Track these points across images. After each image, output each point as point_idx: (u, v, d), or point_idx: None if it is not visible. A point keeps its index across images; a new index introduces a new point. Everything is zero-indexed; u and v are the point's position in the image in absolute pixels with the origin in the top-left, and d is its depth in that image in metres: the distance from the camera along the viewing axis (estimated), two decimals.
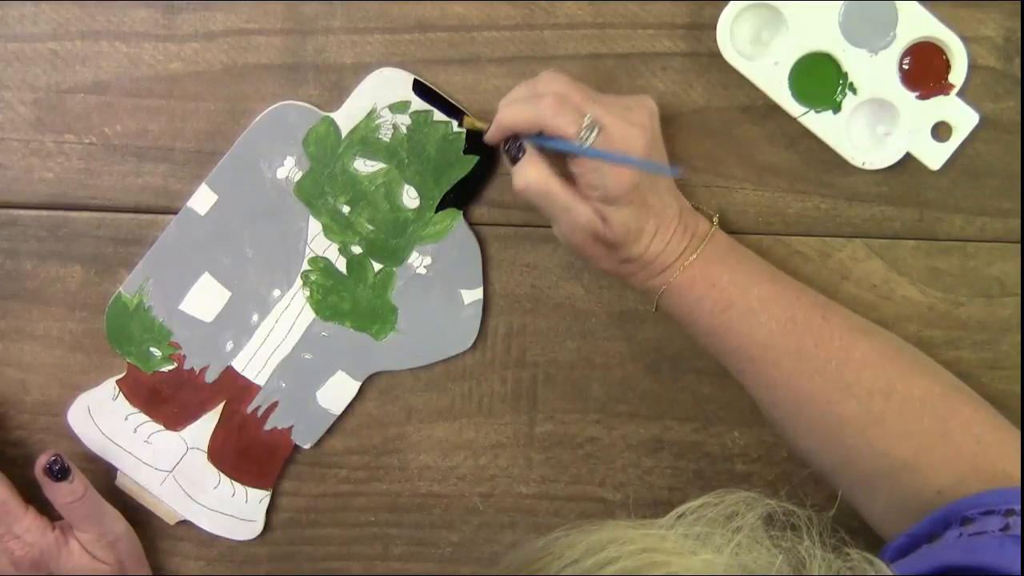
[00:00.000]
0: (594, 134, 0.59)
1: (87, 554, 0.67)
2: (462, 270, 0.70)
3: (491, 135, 0.64)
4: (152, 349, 0.70)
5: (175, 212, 0.69)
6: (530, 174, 0.61)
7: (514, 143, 0.63)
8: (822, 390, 0.62)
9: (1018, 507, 0.56)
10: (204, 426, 0.71)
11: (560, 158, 0.62)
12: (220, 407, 0.71)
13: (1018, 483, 0.59)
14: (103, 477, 0.71)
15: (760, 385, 0.65)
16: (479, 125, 0.66)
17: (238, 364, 0.71)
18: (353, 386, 0.71)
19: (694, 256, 0.63)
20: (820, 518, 0.45)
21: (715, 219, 0.66)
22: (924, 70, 0.66)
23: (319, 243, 0.69)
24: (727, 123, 0.69)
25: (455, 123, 0.68)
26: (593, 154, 0.59)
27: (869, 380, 0.62)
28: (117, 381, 0.71)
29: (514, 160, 0.62)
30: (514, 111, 0.62)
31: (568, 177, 0.62)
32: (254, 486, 0.72)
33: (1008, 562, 0.52)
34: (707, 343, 0.65)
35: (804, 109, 0.67)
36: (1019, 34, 0.67)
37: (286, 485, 0.73)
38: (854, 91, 0.66)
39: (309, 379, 0.71)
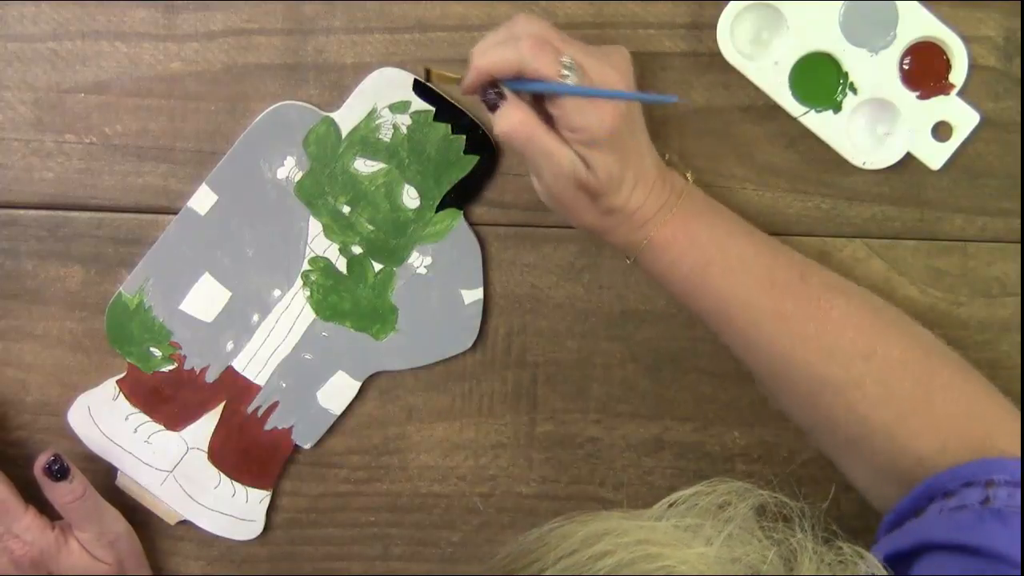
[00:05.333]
0: (574, 74, 0.58)
1: (87, 553, 0.67)
2: (462, 270, 0.70)
3: (469, 82, 0.60)
4: (152, 349, 0.70)
5: (175, 212, 0.69)
6: (515, 117, 0.59)
7: (493, 89, 0.60)
8: (801, 352, 0.62)
9: (998, 477, 0.55)
10: (204, 426, 0.71)
11: (538, 106, 0.60)
12: (220, 407, 0.71)
13: (1001, 452, 0.58)
14: (103, 477, 0.71)
15: (739, 346, 0.64)
16: (449, 76, 0.62)
17: (238, 364, 0.70)
18: (353, 386, 0.71)
19: (674, 209, 0.63)
20: (813, 510, 0.45)
21: (689, 175, 0.65)
22: (924, 70, 0.66)
23: (319, 243, 0.69)
24: (727, 123, 0.69)
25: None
26: (580, 92, 0.58)
27: (848, 342, 0.61)
28: (117, 381, 0.71)
29: (493, 107, 0.60)
30: (493, 54, 0.59)
31: (547, 123, 0.60)
32: (254, 486, 0.72)
33: (985, 538, 0.51)
34: (687, 303, 0.65)
35: (804, 109, 0.67)
36: (1019, 34, 0.67)
37: (286, 485, 0.73)
38: (854, 91, 0.66)
39: (309, 379, 0.71)
